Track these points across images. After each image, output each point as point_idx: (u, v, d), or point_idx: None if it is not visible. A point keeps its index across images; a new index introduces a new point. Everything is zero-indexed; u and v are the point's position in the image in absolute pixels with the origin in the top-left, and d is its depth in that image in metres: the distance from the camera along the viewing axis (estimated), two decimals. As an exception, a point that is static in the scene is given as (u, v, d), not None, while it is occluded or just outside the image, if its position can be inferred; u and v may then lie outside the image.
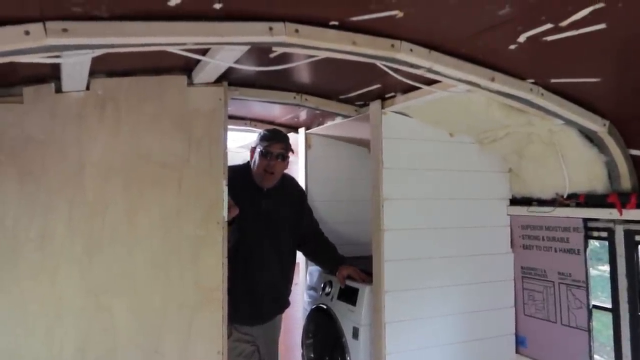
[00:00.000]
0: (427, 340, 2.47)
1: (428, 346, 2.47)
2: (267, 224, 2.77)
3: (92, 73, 1.86)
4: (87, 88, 1.96)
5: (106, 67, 1.89)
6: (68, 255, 1.92)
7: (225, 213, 2.10)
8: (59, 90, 1.93)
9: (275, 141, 2.73)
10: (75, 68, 1.70)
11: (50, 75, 1.87)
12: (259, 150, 2.73)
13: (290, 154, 2.79)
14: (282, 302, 2.91)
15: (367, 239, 2.52)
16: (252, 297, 2.68)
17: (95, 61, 1.61)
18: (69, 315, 1.93)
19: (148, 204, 2.02)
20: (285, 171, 2.88)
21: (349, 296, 2.69)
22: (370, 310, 2.51)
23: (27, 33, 1.28)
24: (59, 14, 1.28)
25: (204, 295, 2.07)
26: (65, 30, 1.29)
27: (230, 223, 2.21)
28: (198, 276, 2.07)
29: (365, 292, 2.58)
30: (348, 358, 2.61)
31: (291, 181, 3.09)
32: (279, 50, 1.63)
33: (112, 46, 1.42)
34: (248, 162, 2.84)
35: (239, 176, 2.68)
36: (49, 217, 1.91)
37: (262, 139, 2.74)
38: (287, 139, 2.82)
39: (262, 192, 2.78)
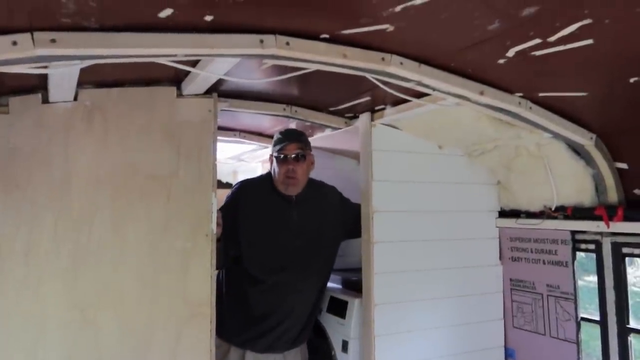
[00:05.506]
0: (417, 353, 2.45)
1: (418, 359, 2.45)
2: (301, 237, 2.51)
3: (80, 83, 1.84)
4: (75, 99, 1.93)
5: (94, 77, 1.87)
6: (53, 269, 1.89)
7: (214, 225, 2.08)
8: (45, 100, 1.90)
9: (287, 142, 2.45)
10: (63, 79, 1.68)
11: (37, 85, 1.84)
12: (275, 156, 2.50)
13: (309, 152, 2.53)
14: (309, 329, 2.65)
15: (357, 251, 2.51)
16: (275, 323, 2.48)
17: (84, 72, 1.59)
18: (54, 329, 1.88)
19: (135, 217, 1.99)
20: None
21: (338, 309, 2.67)
22: (360, 323, 2.49)
23: (14, 43, 1.26)
24: (47, 25, 1.27)
25: (191, 309, 2.03)
26: (53, 40, 1.28)
27: (219, 240, 2.18)
28: (186, 290, 2.03)
29: (354, 305, 2.56)
30: (337, 371, 2.59)
31: (324, 187, 2.76)
32: (269, 62, 1.63)
33: (101, 57, 1.41)
34: (269, 172, 2.61)
35: (260, 188, 2.57)
36: (34, 229, 1.87)
37: (275, 143, 2.51)
38: (302, 136, 2.54)
39: (292, 203, 2.53)
